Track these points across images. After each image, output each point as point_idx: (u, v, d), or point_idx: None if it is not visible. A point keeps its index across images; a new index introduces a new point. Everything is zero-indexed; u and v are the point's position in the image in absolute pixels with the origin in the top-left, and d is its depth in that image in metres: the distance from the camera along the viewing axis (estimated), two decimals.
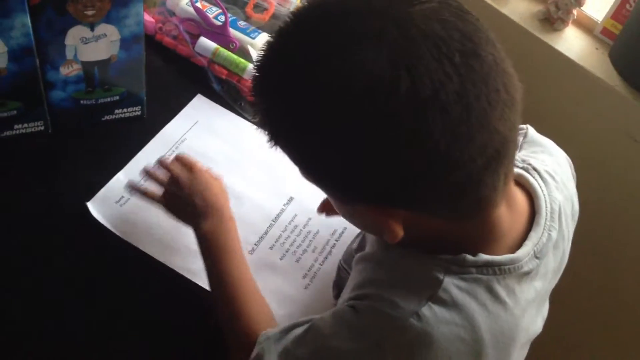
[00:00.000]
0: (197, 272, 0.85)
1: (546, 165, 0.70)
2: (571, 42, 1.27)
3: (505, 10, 1.29)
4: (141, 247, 0.86)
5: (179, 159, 0.88)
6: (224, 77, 1.08)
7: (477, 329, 0.59)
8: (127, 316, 0.81)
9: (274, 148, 0.58)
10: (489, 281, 0.60)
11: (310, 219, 0.94)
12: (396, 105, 0.50)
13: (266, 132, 0.58)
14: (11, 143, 0.93)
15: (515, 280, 0.62)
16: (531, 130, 0.75)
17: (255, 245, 0.90)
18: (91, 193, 0.89)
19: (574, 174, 0.77)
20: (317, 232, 0.94)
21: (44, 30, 0.83)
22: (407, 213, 0.57)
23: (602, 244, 1.33)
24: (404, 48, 0.50)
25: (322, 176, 0.59)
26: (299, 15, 0.56)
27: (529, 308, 0.64)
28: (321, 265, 0.92)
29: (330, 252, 0.93)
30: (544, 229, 0.64)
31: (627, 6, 1.20)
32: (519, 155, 0.70)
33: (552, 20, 1.28)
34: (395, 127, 0.51)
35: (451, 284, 0.59)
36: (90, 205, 0.88)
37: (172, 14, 1.13)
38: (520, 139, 0.74)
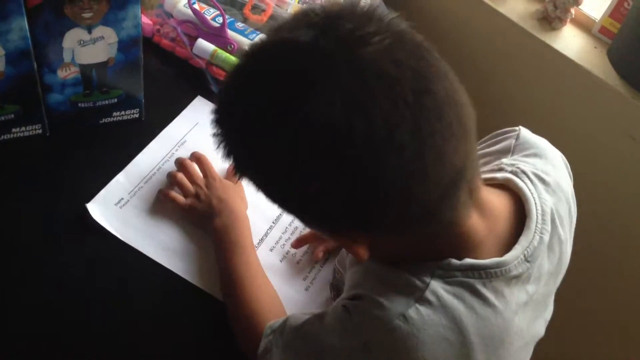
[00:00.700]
0: (196, 274, 0.85)
1: (536, 168, 0.70)
2: (569, 41, 1.27)
3: (503, 10, 1.29)
4: (140, 249, 0.86)
5: (197, 159, 0.93)
6: (222, 78, 1.07)
7: (464, 331, 0.59)
8: (126, 317, 0.81)
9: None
10: (474, 284, 0.60)
11: None
12: (351, 148, 0.50)
13: (231, 163, 0.59)
14: (9, 146, 0.93)
15: (504, 283, 0.62)
16: (524, 131, 0.75)
17: (256, 247, 0.90)
18: (90, 195, 0.89)
19: (571, 174, 0.77)
20: None
21: (41, 33, 0.83)
22: (371, 238, 0.59)
23: (601, 242, 1.33)
24: (357, 91, 0.50)
25: (284, 208, 0.60)
26: (256, 52, 0.56)
27: (521, 311, 0.64)
28: (321, 267, 0.92)
29: (330, 254, 0.92)
30: (534, 232, 0.64)
31: (625, 5, 1.20)
32: (509, 160, 0.71)
33: (550, 19, 1.28)
34: (351, 168, 0.51)
35: (438, 287, 0.59)
36: (89, 206, 0.88)
37: (170, 16, 1.13)
38: (513, 141, 0.74)
